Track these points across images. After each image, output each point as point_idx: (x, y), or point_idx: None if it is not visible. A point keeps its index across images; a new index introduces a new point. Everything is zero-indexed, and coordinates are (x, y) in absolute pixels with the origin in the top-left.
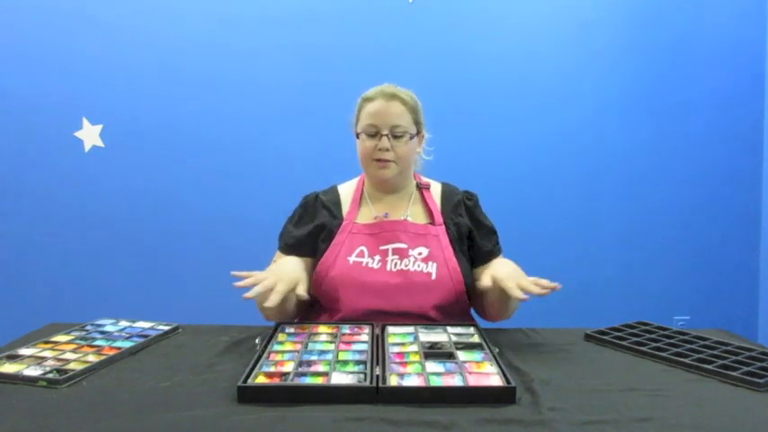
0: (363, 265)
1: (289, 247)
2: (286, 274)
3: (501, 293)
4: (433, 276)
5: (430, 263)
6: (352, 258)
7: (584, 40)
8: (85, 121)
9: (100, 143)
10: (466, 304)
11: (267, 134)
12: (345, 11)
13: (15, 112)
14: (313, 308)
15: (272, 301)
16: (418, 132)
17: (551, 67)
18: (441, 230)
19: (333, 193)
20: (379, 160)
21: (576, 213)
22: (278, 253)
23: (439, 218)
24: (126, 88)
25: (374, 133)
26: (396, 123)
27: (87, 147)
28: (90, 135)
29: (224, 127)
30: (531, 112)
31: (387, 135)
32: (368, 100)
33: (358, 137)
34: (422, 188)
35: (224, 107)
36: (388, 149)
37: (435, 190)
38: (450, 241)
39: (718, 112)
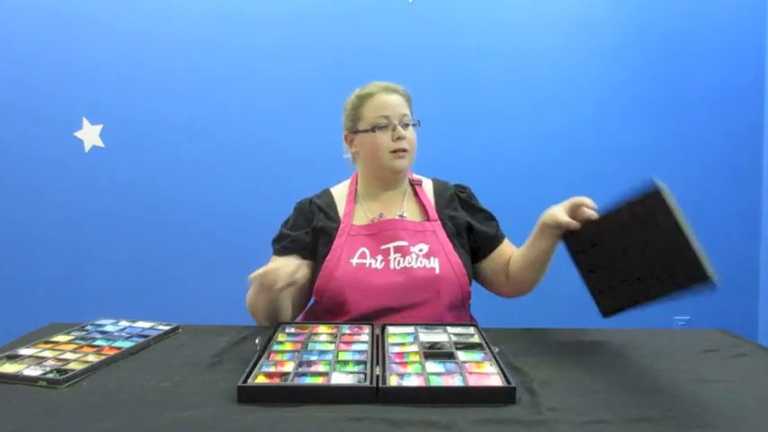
0: (367, 266)
1: (286, 250)
2: (290, 261)
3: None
4: (437, 271)
5: (432, 258)
6: (354, 260)
7: (584, 40)
8: (85, 121)
9: (100, 143)
10: (469, 296)
11: (267, 134)
12: (345, 11)
13: (15, 112)
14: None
15: (282, 280)
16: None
17: (551, 67)
18: (437, 226)
19: (326, 195)
20: (395, 151)
21: None
22: (273, 258)
23: (434, 214)
24: (126, 88)
25: (386, 125)
26: (404, 113)
27: (87, 147)
28: (90, 135)
29: (224, 127)
30: (530, 111)
31: (399, 125)
32: (369, 96)
33: (368, 132)
34: (414, 184)
35: (224, 107)
36: (404, 137)
37: (427, 186)
38: (448, 236)
39: (717, 111)
